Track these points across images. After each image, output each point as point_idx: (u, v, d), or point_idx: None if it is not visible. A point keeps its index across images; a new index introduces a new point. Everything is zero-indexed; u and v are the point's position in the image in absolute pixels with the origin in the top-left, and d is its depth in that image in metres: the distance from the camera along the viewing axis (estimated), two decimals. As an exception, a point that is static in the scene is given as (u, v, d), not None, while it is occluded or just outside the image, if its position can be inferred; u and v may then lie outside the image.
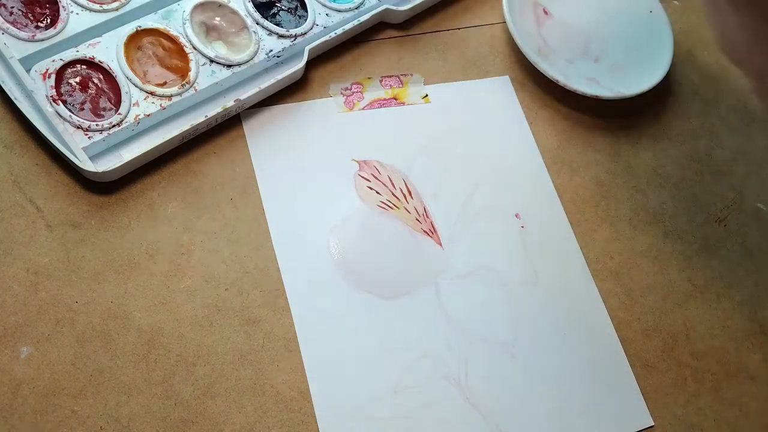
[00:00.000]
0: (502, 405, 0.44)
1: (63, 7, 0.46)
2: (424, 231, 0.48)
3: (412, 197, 0.49)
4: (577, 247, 0.50)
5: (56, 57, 0.45)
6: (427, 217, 0.49)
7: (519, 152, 0.52)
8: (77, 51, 0.45)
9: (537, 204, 0.51)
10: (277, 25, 0.50)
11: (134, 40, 0.47)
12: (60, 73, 0.44)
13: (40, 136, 0.44)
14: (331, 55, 0.53)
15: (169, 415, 0.40)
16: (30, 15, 0.46)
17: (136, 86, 0.46)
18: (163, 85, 0.46)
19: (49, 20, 0.46)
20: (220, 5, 0.50)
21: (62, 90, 0.44)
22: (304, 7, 0.52)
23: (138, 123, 0.45)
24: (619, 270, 0.50)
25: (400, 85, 0.53)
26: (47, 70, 0.44)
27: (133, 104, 0.45)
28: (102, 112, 0.45)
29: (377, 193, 0.49)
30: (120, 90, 0.45)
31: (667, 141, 0.56)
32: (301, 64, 0.49)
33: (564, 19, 0.58)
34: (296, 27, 0.51)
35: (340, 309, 0.44)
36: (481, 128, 0.52)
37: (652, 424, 0.45)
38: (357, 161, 0.49)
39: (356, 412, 0.42)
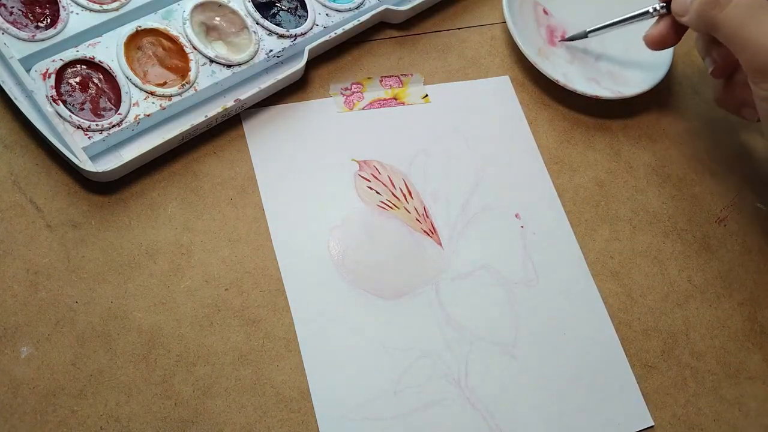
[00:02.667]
0: (502, 405, 0.44)
1: (63, 7, 0.46)
2: (424, 231, 0.48)
3: (412, 197, 0.49)
4: (577, 247, 0.50)
5: (56, 57, 0.45)
6: (427, 217, 0.49)
7: (519, 152, 0.52)
8: (77, 51, 0.45)
9: (537, 204, 0.51)
10: (277, 25, 0.50)
11: (134, 40, 0.47)
12: (60, 73, 0.44)
13: (40, 136, 0.44)
14: (331, 55, 0.53)
15: (169, 415, 0.40)
16: (30, 15, 0.46)
17: (136, 86, 0.46)
18: (163, 85, 0.46)
19: (49, 20, 0.46)
20: (220, 5, 0.50)
21: (62, 90, 0.44)
22: (304, 7, 0.52)
23: (138, 123, 0.45)
24: (619, 270, 0.50)
25: (400, 85, 0.53)
26: (47, 70, 0.44)
27: (133, 104, 0.45)
28: (102, 112, 0.45)
29: (377, 193, 0.49)
30: (120, 90, 0.45)
31: (667, 141, 0.56)
32: (301, 64, 0.49)
33: (564, 19, 0.58)
34: (296, 27, 0.51)
35: (339, 309, 0.44)
36: (481, 128, 0.52)
37: (652, 424, 0.45)
38: (357, 161, 0.49)
39: (356, 412, 0.42)
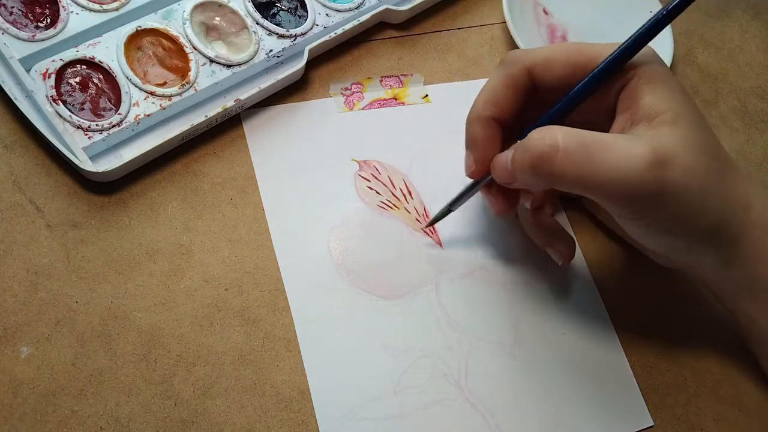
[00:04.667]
0: (502, 405, 0.44)
1: (63, 7, 0.46)
2: (424, 231, 0.48)
3: (412, 197, 0.49)
4: (578, 246, 0.50)
5: (56, 57, 0.45)
6: (427, 217, 0.49)
7: (519, 152, 0.52)
8: (77, 51, 0.45)
9: (537, 204, 0.51)
10: (277, 25, 0.50)
11: (134, 40, 0.47)
12: (60, 73, 0.44)
13: (40, 136, 0.44)
14: (331, 55, 0.53)
15: (169, 415, 0.40)
16: (30, 15, 0.46)
17: (136, 86, 0.46)
18: (163, 85, 0.46)
19: (49, 20, 0.46)
20: (220, 5, 0.50)
21: (62, 90, 0.44)
22: (304, 7, 0.52)
23: (138, 123, 0.45)
24: (620, 269, 0.50)
25: (400, 85, 0.53)
26: (47, 70, 0.44)
27: (133, 104, 0.45)
28: (102, 112, 0.45)
29: (377, 193, 0.49)
30: (120, 90, 0.45)
31: (667, 141, 0.55)
32: (301, 64, 0.50)
33: (564, 19, 0.58)
34: (296, 27, 0.51)
35: (339, 309, 0.44)
36: (481, 128, 0.52)
37: (652, 424, 0.45)
38: (357, 161, 0.49)
39: (356, 412, 0.42)
